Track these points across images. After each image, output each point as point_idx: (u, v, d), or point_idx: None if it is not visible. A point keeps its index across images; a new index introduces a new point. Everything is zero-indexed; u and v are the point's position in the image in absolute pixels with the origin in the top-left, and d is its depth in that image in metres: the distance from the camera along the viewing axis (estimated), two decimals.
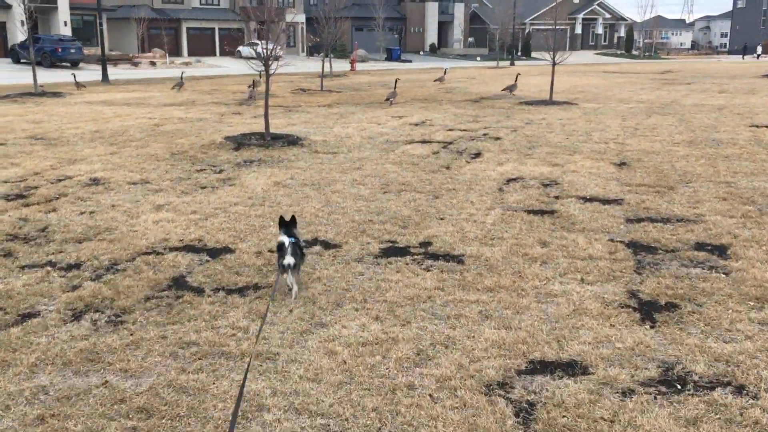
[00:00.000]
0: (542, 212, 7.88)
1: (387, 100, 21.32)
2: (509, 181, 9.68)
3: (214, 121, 16.50)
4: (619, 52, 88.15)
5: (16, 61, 44.31)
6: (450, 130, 14.95)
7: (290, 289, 5.39)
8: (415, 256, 6.37)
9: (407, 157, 11.60)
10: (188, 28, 59.54)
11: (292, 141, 12.93)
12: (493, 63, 58.48)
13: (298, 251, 5.33)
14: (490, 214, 7.82)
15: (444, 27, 79.02)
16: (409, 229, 7.26)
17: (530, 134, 14.20)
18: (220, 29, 60.37)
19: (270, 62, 12.66)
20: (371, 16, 60.58)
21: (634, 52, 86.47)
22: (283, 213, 7.21)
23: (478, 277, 5.78)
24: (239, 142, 12.79)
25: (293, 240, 5.33)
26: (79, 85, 26.17)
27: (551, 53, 20.85)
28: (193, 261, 6.24)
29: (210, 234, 7.05)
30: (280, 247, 5.28)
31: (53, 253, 6.42)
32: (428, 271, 5.96)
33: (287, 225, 5.56)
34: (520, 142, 13.19)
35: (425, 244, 6.75)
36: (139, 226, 7.33)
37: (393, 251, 6.53)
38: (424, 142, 13.22)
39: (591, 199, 8.48)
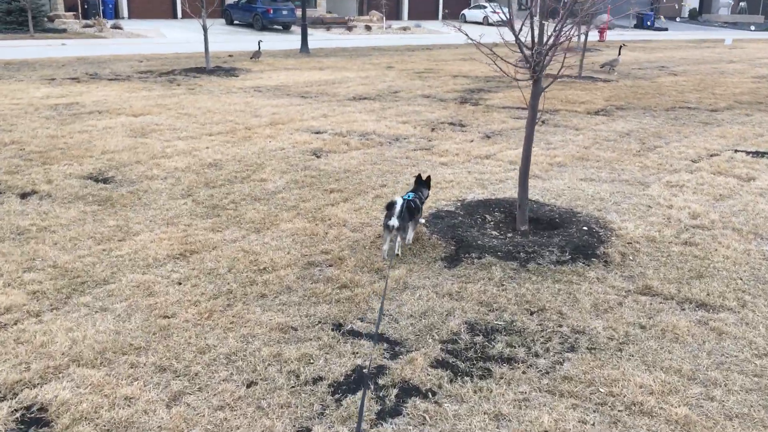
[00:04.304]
0: None
1: None
2: None
3: (415, 145, 9.57)
4: None
5: (230, 22, 41.10)
6: None
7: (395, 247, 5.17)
8: None
9: None
10: None
11: (580, 245, 5.54)
12: None
13: (406, 214, 5.14)
14: None
15: None
16: None
17: None
18: None
19: (545, 58, 5.36)
20: None
21: None
22: None
23: None
24: (457, 237, 5.69)
25: (409, 198, 5.26)
26: (255, 55, 21.00)
27: None
28: None
29: None
30: (390, 207, 5.13)
31: None
32: None
33: (419, 183, 5.69)
34: None
35: None
36: None
37: None
38: None
39: None
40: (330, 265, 5.24)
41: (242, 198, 6.92)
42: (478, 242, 5.52)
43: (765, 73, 20.45)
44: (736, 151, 9.23)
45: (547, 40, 5.28)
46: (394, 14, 50.28)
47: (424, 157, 8.77)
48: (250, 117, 11.40)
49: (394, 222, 5.04)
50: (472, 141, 9.83)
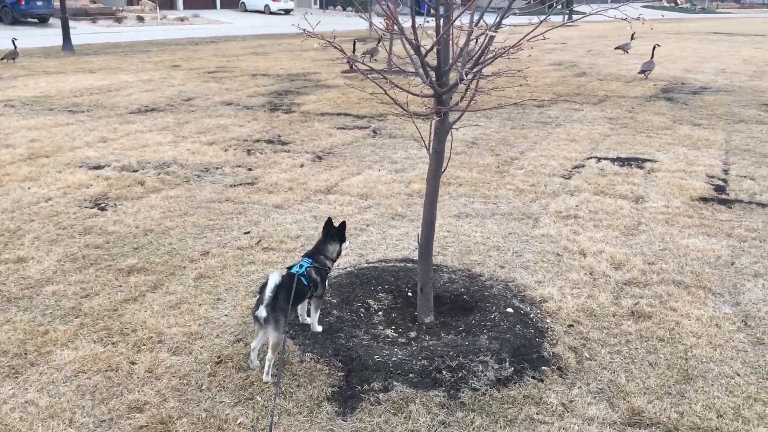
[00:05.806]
0: None
1: None
2: None
3: (233, 178, 7.48)
4: (667, 4, 79.71)
5: None
6: None
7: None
8: None
9: None
10: None
11: (519, 346, 3.90)
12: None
13: (283, 299, 3.43)
14: None
15: None
16: None
17: None
18: None
19: (469, 80, 3.67)
20: None
21: (685, 5, 78.29)
22: None
23: None
24: (341, 350, 3.84)
25: (299, 270, 3.63)
26: (10, 56, 17.38)
27: None
28: None
29: None
30: (262, 289, 3.46)
31: None
32: None
33: (327, 236, 3.89)
34: None
35: None
36: None
37: None
38: None
39: None
40: None
41: None
42: (375, 357, 3.69)
43: (558, 60, 20.69)
44: (598, 159, 8.26)
45: (461, 51, 3.56)
46: (167, 3, 46.21)
47: (249, 196, 6.71)
48: None
49: (261, 312, 3.39)
50: (302, 166, 7.93)
